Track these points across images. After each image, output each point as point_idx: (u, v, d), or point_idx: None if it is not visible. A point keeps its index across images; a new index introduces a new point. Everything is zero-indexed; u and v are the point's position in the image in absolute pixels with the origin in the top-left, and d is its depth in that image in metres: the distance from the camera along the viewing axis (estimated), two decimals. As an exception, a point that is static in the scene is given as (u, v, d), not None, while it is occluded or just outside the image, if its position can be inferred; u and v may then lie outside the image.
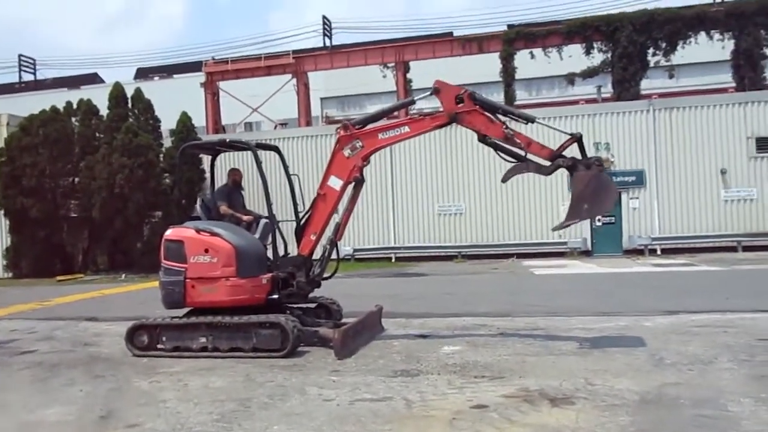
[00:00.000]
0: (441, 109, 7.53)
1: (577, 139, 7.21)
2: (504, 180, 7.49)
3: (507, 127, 7.28)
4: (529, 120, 7.40)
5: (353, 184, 7.85)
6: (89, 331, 10.16)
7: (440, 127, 7.65)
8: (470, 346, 7.51)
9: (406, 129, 7.66)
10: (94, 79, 47.12)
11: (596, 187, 7.01)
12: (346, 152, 7.73)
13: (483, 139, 7.42)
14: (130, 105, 24.93)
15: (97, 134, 24.68)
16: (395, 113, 8.55)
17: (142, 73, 47.82)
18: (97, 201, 23.07)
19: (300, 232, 8.01)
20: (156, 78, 46.54)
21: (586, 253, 22.64)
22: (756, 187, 22.13)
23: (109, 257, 25.58)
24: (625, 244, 22.53)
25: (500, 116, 7.45)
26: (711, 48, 29.16)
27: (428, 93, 7.60)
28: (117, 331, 9.52)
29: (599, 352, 6.97)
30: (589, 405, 5.05)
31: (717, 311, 9.27)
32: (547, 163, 7.23)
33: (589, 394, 5.33)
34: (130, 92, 25.16)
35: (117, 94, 24.57)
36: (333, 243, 7.95)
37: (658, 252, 21.95)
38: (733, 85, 28.67)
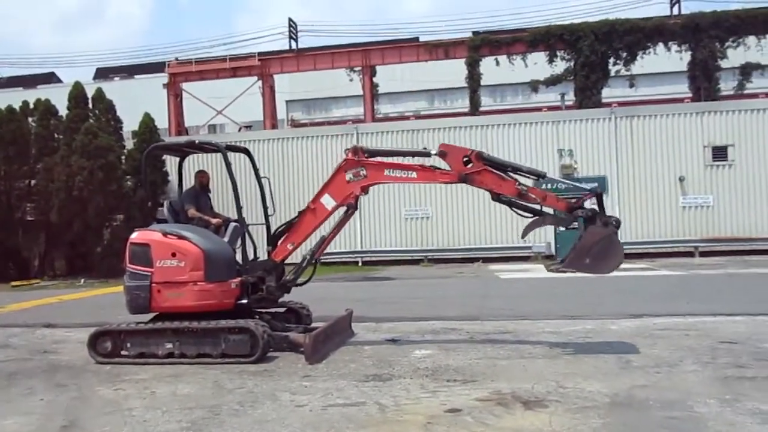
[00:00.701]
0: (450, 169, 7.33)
1: (596, 194, 7.12)
2: (523, 236, 7.38)
3: (520, 184, 7.12)
4: (540, 176, 7.32)
5: (345, 209, 7.67)
6: (48, 338, 9.84)
7: (447, 183, 7.57)
8: (441, 350, 7.53)
9: (414, 175, 7.51)
10: (51, 78, 45.92)
11: (605, 247, 6.86)
12: (348, 176, 7.54)
13: (497, 198, 7.24)
14: (90, 105, 24.31)
15: (56, 135, 24.01)
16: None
17: (102, 74, 46.84)
18: (55, 204, 22.41)
19: (276, 238, 7.91)
20: (116, 78, 45.64)
21: (549, 258, 22.95)
22: (712, 195, 22.84)
23: (67, 262, 24.87)
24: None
25: (510, 173, 7.30)
26: (669, 59, 30.04)
27: (434, 154, 7.38)
28: (77, 337, 9.27)
29: (568, 355, 7.07)
30: (562, 408, 5.11)
31: (679, 315, 9.51)
32: (565, 215, 7.13)
33: (560, 397, 5.39)
34: (90, 93, 24.54)
35: (77, 93, 23.93)
36: (313, 255, 7.82)
37: (619, 257, 22.39)
38: (690, 95, 29.56)
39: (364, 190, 7.59)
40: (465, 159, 7.24)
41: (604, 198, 22.56)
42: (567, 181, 7.94)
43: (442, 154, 7.32)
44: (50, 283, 22.34)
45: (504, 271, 19.56)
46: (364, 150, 7.63)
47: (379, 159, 7.67)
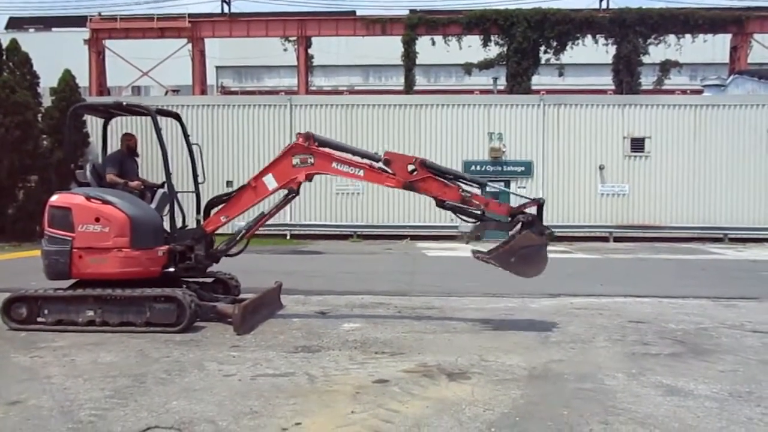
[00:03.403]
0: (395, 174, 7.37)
1: (539, 204, 7.34)
2: (467, 242, 7.52)
3: (463, 190, 7.28)
4: (481, 185, 7.47)
5: (286, 192, 7.61)
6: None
7: (392, 187, 7.56)
8: (369, 324, 7.67)
9: (360, 173, 7.46)
10: (-43, 25, 42.49)
11: (533, 254, 7.17)
12: (295, 161, 7.45)
13: (441, 204, 7.38)
14: (4, 57, 22.66)
15: (-34, 88, 22.27)
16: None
17: (16, 24, 43.84)
18: (-37, 161, 20.91)
19: (209, 207, 7.78)
20: (32, 30, 42.82)
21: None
22: (628, 184, 24.03)
23: (-27, 223, 23.32)
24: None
25: (453, 180, 7.41)
26: (596, 51, 31.21)
27: (379, 163, 7.40)
28: (-13, 302, 8.80)
29: (491, 330, 7.38)
30: (484, 379, 5.35)
31: (593, 295, 10.09)
32: (507, 220, 7.31)
33: (483, 370, 5.64)
34: (3, 44, 22.86)
35: (-10, 44, 22.25)
36: (248, 231, 7.79)
37: (540, 239, 23.31)
38: (613, 87, 30.88)
39: (309, 177, 7.54)
40: (410, 167, 7.35)
41: (529, 182, 23.36)
42: (509, 191, 8.15)
43: (386, 162, 7.39)
44: (-46, 245, 20.96)
45: (431, 249, 19.97)
46: (315, 138, 7.55)
47: (328, 150, 7.59)
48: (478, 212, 7.39)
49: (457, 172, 7.66)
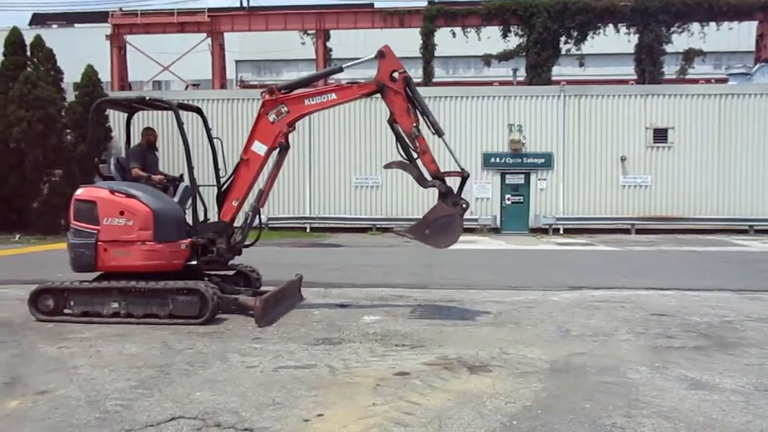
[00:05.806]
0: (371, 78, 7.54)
1: (464, 177, 7.45)
2: (385, 167, 7.69)
3: (416, 126, 7.36)
4: (438, 133, 7.43)
5: (278, 150, 7.72)
6: (-18, 294, 9.49)
7: (367, 95, 7.65)
8: (390, 316, 7.69)
9: (333, 96, 7.61)
10: (-18, 22, 43.15)
11: (445, 225, 7.28)
12: (271, 117, 7.59)
13: (392, 123, 7.54)
14: (28, 53, 22.99)
15: (-10, 82, 22.64)
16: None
17: (39, 20, 44.38)
18: (-11, 155, 21.29)
19: (222, 198, 7.84)
20: (55, 26, 43.36)
21: (494, 230, 23.52)
22: (651, 175, 23.72)
23: (0, 216, 23.74)
24: (531, 223, 23.58)
25: (418, 113, 7.50)
26: (617, 41, 30.72)
27: (373, 56, 7.50)
28: (15, 294, 9.02)
29: (511, 323, 7.34)
30: (505, 372, 5.34)
31: (615, 288, 9.98)
32: (428, 178, 7.41)
33: (504, 363, 5.63)
34: (27, 40, 23.18)
35: (14, 40, 22.51)
36: (256, 210, 7.83)
37: (561, 231, 23.17)
38: (635, 77, 30.40)
39: (291, 125, 7.69)
40: (395, 74, 7.39)
41: (549, 174, 23.09)
42: (453, 154, 8.09)
43: (380, 54, 7.47)
44: (-18, 238, 21.39)
45: (450, 241, 19.88)
46: (280, 87, 7.70)
47: (296, 92, 7.75)
48: (414, 154, 7.45)
49: (427, 110, 7.60)
